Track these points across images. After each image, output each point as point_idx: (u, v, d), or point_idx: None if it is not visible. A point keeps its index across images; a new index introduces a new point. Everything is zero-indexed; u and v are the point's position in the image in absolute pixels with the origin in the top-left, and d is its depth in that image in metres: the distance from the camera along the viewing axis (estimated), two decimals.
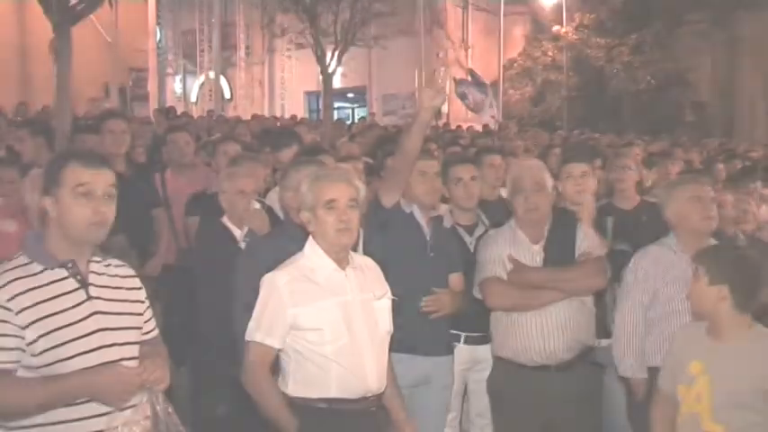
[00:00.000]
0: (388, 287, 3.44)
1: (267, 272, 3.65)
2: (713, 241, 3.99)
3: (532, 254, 4.18)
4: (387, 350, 3.36)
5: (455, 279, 4.36)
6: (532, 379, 4.10)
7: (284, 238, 3.88)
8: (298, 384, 3.19)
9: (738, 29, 27.88)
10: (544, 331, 4.07)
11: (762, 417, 3.10)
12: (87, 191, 2.70)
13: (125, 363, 2.72)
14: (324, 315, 3.16)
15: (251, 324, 3.21)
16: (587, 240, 4.25)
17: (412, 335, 3.92)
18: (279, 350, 3.21)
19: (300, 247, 3.68)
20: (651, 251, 4.03)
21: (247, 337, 3.21)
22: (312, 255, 3.27)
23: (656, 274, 3.94)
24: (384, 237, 4.10)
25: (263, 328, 3.17)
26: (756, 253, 3.47)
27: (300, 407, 3.15)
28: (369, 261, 3.49)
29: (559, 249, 4.19)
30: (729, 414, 3.12)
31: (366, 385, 3.20)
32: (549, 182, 4.25)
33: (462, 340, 4.54)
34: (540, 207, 4.16)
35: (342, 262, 3.28)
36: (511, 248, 4.18)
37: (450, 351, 4.39)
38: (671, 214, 3.98)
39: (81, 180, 2.70)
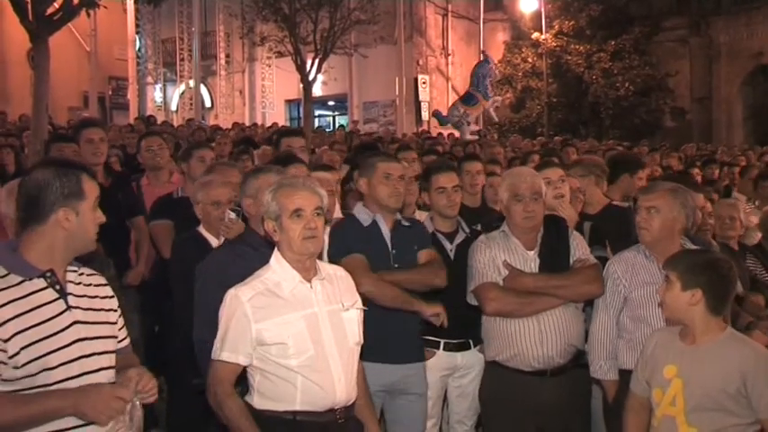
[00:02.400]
0: (358, 297, 3.39)
1: (223, 279, 3.64)
2: (690, 245, 4.02)
3: (527, 260, 4.17)
4: (356, 361, 3.31)
5: (423, 255, 4.31)
6: (528, 384, 4.08)
7: (243, 246, 3.88)
8: (263, 398, 3.15)
9: (715, 34, 28.18)
10: (542, 337, 4.06)
11: (736, 419, 3.11)
12: (96, 204, 2.75)
13: (103, 372, 2.72)
14: (288, 329, 3.10)
15: (216, 343, 3.16)
16: (581, 247, 4.27)
17: (381, 343, 3.87)
18: (245, 366, 3.18)
19: (261, 255, 3.68)
20: (624, 256, 4.06)
21: (213, 356, 3.16)
22: (277, 267, 3.22)
23: (628, 278, 3.96)
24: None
25: (228, 347, 3.12)
26: (726, 256, 3.50)
27: (266, 419, 3.11)
28: (340, 271, 3.44)
29: (554, 256, 4.18)
30: (703, 417, 3.14)
31: (333, 397, 3.15)
32: (544, 189, 4.26)
33: (441, 347, 4.54)
34: (537, 215, 4.16)
35: (308, 272, 3.23)
36: (505, 255, 4.16)
37: (422, 358, 4.38)
38: None
39: (96, 193, 2.75)
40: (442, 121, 26.80)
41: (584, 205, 5.20)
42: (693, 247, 4.01)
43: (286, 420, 3.11)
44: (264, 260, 3.65)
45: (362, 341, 3.34)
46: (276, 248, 3.27)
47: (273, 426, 3.11)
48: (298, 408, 3.11)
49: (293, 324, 3.12)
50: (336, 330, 3.21)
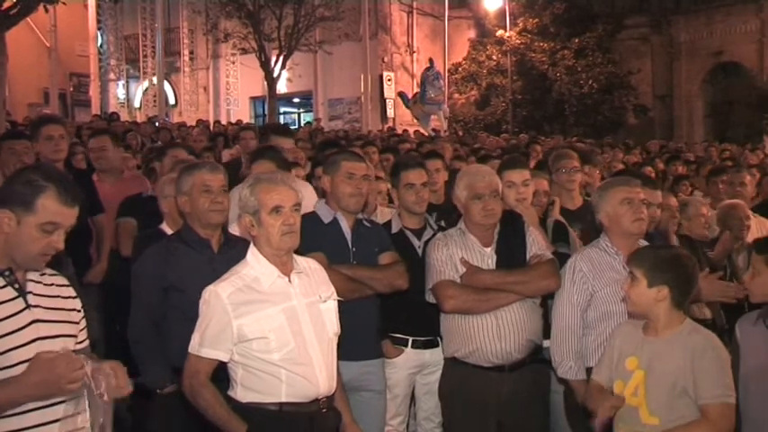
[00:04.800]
0: (333, 288, 3.43)
1: (157, 279, 3.75)
2: (644, 242, 4.03)
3: (484, 257, 4.17)
4: (335, 352, 3.35)
5: (385, 257, 4.31)
6: (487, 379, 4.10)
7: (177, 244, 3.90)
8: (248, 391, 3.18)
9: (676, 33, 28.59)
10: (500, 332, 4.06)
11: (695, 408, 3.15)
12: (54, 228, 2.65)
13: None
14: (268, 323, 3.14)
15: (195, 337, 3.18)
16: (537, 243, 4.27)
17: (338, 340, 3.86)
18: (224, 362, 3.20)
19: (198, 253, 3.81)
20: (587, 253, 4.04)
21: (191, 350, 3.19)
22: (254, 263, 3.24)
23: (593, 276, 3.94)
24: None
25: (207, 343, 3.15)
26: (688, 251, 3.55)
27: (251, 410, 3.14)
28: (314, 263, 3.46)
29: (511, 252, 4.19)
30: (664, 406, 3.18)
31: (317, 388, 3.20)
32: (500, 187, 4.26)
33: (409, 344, 4.53)
34: (496, 212, 4.15)
35: (286, 266, 3.26)
36: (462, 252, 4.16)
37: (380, 355, 4.38)
38: (603, 216, 3.99)
39: (54, 219, 2.63)
40: (406, 102, 26.93)
41: (566, 201, 5.24)
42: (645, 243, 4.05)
43: (272, 412, 3.15)
44: (201, 257, 3.81)
45: (339, 331, 3.37)
46: (252, 244, 3.28)
47: (260, 417, 3.13)
48: (284, 399, 3.15)
49: (273, 318, 3.15)
50: (315, 322, 3.25)
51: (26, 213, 2.61)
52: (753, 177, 7.22)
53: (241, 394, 3.18)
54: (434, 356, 4.54)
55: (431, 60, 27.17)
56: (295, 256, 3.35)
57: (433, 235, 4.54)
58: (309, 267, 3.40)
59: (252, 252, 3.27)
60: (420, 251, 4.51)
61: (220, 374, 3.25)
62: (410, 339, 4.53)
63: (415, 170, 4.63)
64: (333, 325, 3.34)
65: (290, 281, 3.25)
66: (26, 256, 2.65)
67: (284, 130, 5.98)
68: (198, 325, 3.19)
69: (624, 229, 3.92)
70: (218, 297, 3.14)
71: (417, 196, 4.57)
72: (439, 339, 4.49)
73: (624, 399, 3.24)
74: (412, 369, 4.55)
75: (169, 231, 4.50)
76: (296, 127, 24.65)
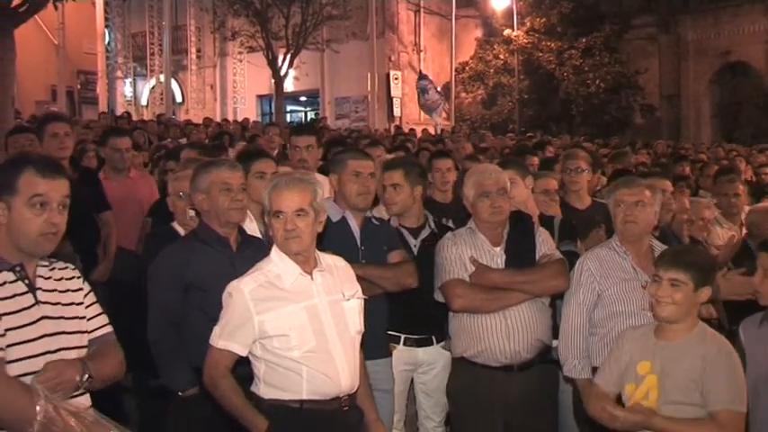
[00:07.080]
0: (358, 286, 3.44)
1: (174, 278, 3.76)
2: (657, 242, 4.07)
3: (493, 256, 4.18)
4: (358, 350, 3.36)
5: (394, 255, 4.31)
6: (495, 379, 4.11)
7: (195, 242, 3.89)
8: (269, 387, 3.22)
9: (683, 33, 28.50)
10: (508, 332, 4.07)
11: (703, 411, 3.16)
12: (42, 201, 2.66)
13: None
14: (289, 320, 3.17)
15: (216, 329, 3.24)
16: (547, 243, 4.27)
17: None
18: (242, 356, 3.23)
19: (215, 251, 3.80)
20: (596, 253, 4.07)
21: (211, 342, 3.24)
22: (278, 260, 3.27)
23: (601, 275, 3.96)
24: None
25: (225, 334, 3.20)
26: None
27: (273, 407, 3.18)
28: (339, 261, 3.47)
29: (520, 252, 4.20)
30: (675, 409, 3.18)
31: (339, 386, 3.22)
32: (508, 185, 4.27)
33: (401, 342, 4.52)
34: (504, 210, 4.16)
35: (308, 264, 3.28)
36: (472, 251, 4.17)
37: (387, 354, 4.38)
38: (612, 217, 4.06)
39: (37, 190, 2.66)
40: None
41: (574, 200, 5.33)
42: (657, 243, 4.06)
43: (293, 409, 3.18)
44: (218, 255, 3.79)
45: (363, 330, 3.38)
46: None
47: (281, 414, 3.16)
48: (304, 396, 3.18)
49: (295, 315, 3.18)
50: (338, 320, 3.27)
51: (13, 196, 2.65)
52: (745, 187, 7.16)
53: (263, 390, 3.22)
54: (428, 355, 4.55)
55: (421, 74, 27.06)
56: (320, 253, 3.37)
57: (432, 234, 4.55)
58: (334, 265, 3.41)
59: (275, 249, 3.30)
60: (416, 250, 4.52)
61: (245, 374, 3.28)
62: (402, 337, 4.52)
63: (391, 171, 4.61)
64: (356, 323, 3.35)
65: (312, 279, 3.27)
66: (27, 240, 2.67)
67: (300, 129, 6.00)
68: (220, 317, 3.24)
69: (618, 231, 3.97)
70: (241, 292, 3.19)
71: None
72: (433, 338, 4.52)
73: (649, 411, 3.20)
74: (405, 366, 4.53)
75: (179, 229, 4.47)
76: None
